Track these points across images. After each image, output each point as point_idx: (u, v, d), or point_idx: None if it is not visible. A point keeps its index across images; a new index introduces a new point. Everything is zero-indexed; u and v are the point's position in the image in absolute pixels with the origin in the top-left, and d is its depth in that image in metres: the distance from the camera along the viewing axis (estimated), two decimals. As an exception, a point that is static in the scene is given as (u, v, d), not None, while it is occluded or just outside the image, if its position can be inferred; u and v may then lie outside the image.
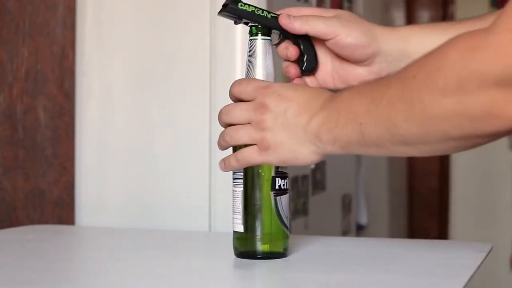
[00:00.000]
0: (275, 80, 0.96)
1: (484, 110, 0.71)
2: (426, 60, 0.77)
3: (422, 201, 3.21)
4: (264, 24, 0.95)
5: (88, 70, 1.45)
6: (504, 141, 3.09)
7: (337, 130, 0.86)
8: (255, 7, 0.96)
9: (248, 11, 0.95)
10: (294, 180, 1.51)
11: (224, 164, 0.96)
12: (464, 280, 0.82)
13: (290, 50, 0.98)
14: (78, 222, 1.46)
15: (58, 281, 0.86)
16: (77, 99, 1.47)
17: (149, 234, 1.27)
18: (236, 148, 0.94)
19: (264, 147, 0.91)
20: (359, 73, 0.99)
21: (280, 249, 0.95)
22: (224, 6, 0.96)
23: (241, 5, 0.95)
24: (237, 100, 0.95)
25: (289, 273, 0.90)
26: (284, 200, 0.94)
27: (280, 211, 0.94)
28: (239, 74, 1.30)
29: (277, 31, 0.97)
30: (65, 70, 1.48)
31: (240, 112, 0.93)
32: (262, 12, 0.96)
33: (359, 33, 0.96)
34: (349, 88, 0.91)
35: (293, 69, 0.98)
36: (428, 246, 1.15)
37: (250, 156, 0.92)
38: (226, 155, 0.97)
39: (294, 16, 0.96)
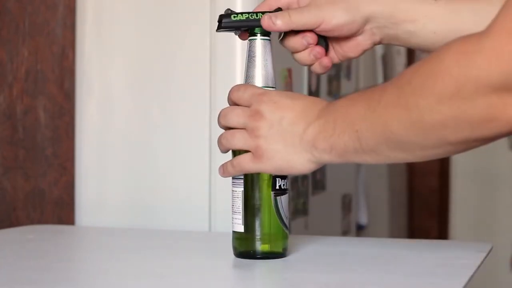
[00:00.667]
0: (275, 79, 0.96)
1: (482, 114, 0.71)
2: (421, 66, 0.76)
3: (422, 201, 3.20)
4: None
5: (88, 70, 1.45)
6: (504, 141, 3.09)
7: (334, 138, 0.86)
8: (248, 12, 0.96)
9: (243, 19, 0.95)
10: (294, 180, 1.51)
11: (223, 170, 0.96)
12: (464, 280, 0.82)
13: (308, 36, 0.97)
14: (78, 222, 1.46)
15: (58, 281, 0.86)
16: (77, 99, 1.47)
17: (149, 234, 1.27)
18: (235, 153, 0.94)
19: (258, 155, 0.90)
20: (353, 44, 0.99)
21: (280, 249, 0.95)
22: (219, 21, 0.96)
23: (234, 17, 0.95)
24: (235, 105, 0.95)
25: (289, 273, 0.90)
26: (284, 200, 0.94)
27: (280, 211, 0.94)
28: (239, 74, 1.30)
29: None
30: (65, 70, 1.48)
31: (237, 117, 0.93)
32: (257, 16, 0.95)
33: (342, 12, 0.95)
34: (345, 96, 0.91)
35: (320, 49, 0.98)
36: (428, 246, 1.15)
37: (244, 162, 0.92)
38: (226, 158, 0.97)
39: (275, 14, 0.95)
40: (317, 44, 0.98)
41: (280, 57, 1.43)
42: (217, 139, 0.97)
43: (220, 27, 0.96)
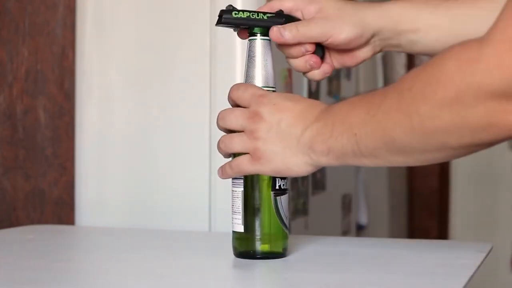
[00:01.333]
0: (275, 79, 0.96)
1: (483, 120, 0.71)
2: (422, 72, 0.76)
3: (422, 201, 3.20)
4: (263, 26, 0.95)
5: (88, 70, 1.45)
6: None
7: (331, 141, 0.86)
8: (250, 11, 0.95)
9: (244, 18, 0.95)
10: (294, 180, 1.51)
11: (222, 172, 0.96)
12: (464, 280, 0.82)
13: (307, 45, 0.97)
14: (78, 222, 1.46)
15: (58, 281, 0.86)
16: (77, 99, 1.47)
17: (149, 234, 1.27)
18: (235, 154, 0.94)
19: (256, 156, 0.90)
20: (355, 54, 1.00)
21: (280, 249, 0.95)
22: (220, 16, 0.96)
23: (235, 13, 0.95)
24: (235, 104, 0.95)
25: (289, 273, 0.90)
26: (284, 200, 0.94)
27: (280, 211, 0.94)
28: (239, 74, 1.30)
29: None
30: (65, 70, 1.48)
31: (235, 119, 0.92)
32: (258, 15, 0.95)
33: (351, 27, 0.96)
34: (344, 100, 0.91)
35: (316, 59, 0.99)
36: (428, 246, 1.15)
37: (243, 164, 0.92)
38: (227, 158, 0.97)
39: (284, 27, 0.95)
40: (314, 52, 0.98)
41: (280, 57, 1.43)
42: (217, 142, 0.97)
43: (220, 22, 0.96)
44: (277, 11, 0.97)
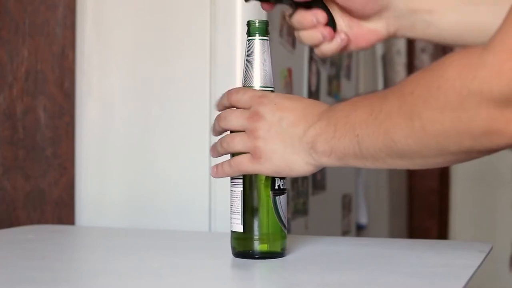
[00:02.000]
0: (273, 79, 0.96)
1: (484, 127, 0.71)
2: (424, 77, 0.76)
3: (422, 201, 3.21)
4: None
5: (88, 70, 1.45)
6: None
7: (334, 141, 0.85)
8: None
9: None
10: (294, 180, 1.51)
11: (216, 170, 0.95)
12: (464, 280, 0.82)
13: (319, 15, 0.96)
14: (78, 222, 1.46)
15: (58, 281, 0.86)
16: (77, 99, 1.47)
17: (149, 234, 1.27)
18: (234, 155, 0.94)
19: (256, 155, 0.90)
20: (368, 31, 0.99)
21: (279, 249, 0.95)
22: None
23: None
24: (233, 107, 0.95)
25: (288, 273, 0.90)
26: (283, 200, 0.94)
27: (279, 211, 0.94)
28: (239, 74, 1.30)
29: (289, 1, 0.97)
30: (65, 70, 1.48)
31: (236, 119, 0.92)
32: None
33: None
34: (346, 100, 0.90)
35: (328, 31, 0.97)
36: (428, 246, 1.15)
37: (242, 163, 0.92)
38: (226, 158, 0.97)
39: None
40: (327, 24, 0.98)
41: (280, 57, 1.43)
42: (213, 144, 0.96)
43: None
44: None
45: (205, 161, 1.35)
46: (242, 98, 0.93)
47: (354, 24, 0.99)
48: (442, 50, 3.17)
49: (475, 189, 3.30)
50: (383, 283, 0.83)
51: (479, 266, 0.91)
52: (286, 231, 0.95)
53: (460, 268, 0.90)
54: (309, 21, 0.97)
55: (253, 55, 0.95)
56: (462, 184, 3.31)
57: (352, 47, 1.00)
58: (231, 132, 0.94)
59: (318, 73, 1.64)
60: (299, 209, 1.55)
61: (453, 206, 3.31)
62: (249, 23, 0.95)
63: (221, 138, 0.95)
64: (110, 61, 1.44)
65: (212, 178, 1.34)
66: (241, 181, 0.94)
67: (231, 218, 0.95)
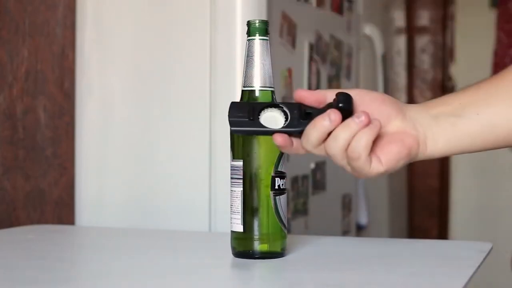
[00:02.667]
0: (274, 79, 0.96)
1: None
2: None
3: (422, 201, 3.20)
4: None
5: (88, 70, 1.45)
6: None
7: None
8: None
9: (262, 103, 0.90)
10: (294, 180, 1.51)
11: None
12: (464, 280, 0.82)
13: (332, 116, 0.85)
14: (78, 222, 1.46)
15: (58, 281, 0.86)
16: (77, 99, 1.47)
17: (149, 234, 1.27)
18: (234, 154, 0.94)
19: None
20: (400, 133, 0.89)
21: (278, 249, 0.95)
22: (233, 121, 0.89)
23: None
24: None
25: (288, 273, 0.90)
26: (283, 200, 0.94)
27: (279, 211, 0.94)
28: (239, 74, 1.30)
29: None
30: (65, 70, 1.48)
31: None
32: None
33: (387, 98, 0.90)
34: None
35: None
36: (428, 246, 1.15)
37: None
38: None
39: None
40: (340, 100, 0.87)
41: (280, 57, 1.43)
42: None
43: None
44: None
45: (205, 161, 1.35)
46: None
47: (388, 128, 0.89)
48: (442, 50, 3.17)
49: (476, 189, 3.30)
50: (383, 283, 0.83)
51: (479, 266, 0.91)
52: (286, 231, 0.95)
53: (460, 268, 0.90)
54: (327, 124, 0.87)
55: (253, 55, 0.95)
56: (462, 183, 3.31)
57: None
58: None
59: (318, 73, 1.64)
60: (299, 209, 1.54)
61: (453, 206, 3.31)
62: (249, 23, 0.95)
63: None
64: (110, 61, 1.44)
65: (212, 178, 1.34)
66: (241, 181, 0.94)
67: (231, 218, 0.95)
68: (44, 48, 1.44)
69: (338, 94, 0.87)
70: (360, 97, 0.88)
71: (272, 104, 0.89)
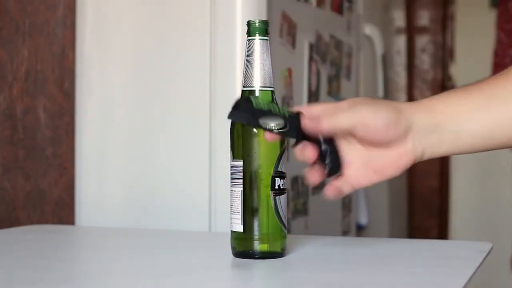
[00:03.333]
0: (274, 79, 0.96)
1: None
2: None
3: (422, 201, 3.20)
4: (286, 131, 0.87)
5: (88, 70, 1.45)
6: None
7: None
8: (271, 103, 0.88)
9: (264, 110, 0.86)
10: (294, 180, 1.51)
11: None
12: (464, 280, 0.82)
13: (307, 151, 0.87)
14: (78, 222, 1.46)
15: (58, 281, 0.86)
16: (77, 99, 1.47)
17: (149, 234, 1.27)
18: (234, 153, 0.94)
19: None
20: (393, 157, 0.89)
21: (278, 249, 0.95)
22: (236, 107, 0.86)
23: (257, 104, 0.86)
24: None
25: (288, 273, 0.90)
26: (283, 200, 0.94)
27: (279, 211, 0.94)
28: (239, 74, 1.30)
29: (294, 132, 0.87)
30: (65, 70, 1.48)
31: None
32: (279, 111, 0.87)
33: (386, 111, 0.87)
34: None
35: (315, 174, 0.88)
36: (428, 246, 1.15)
37: None
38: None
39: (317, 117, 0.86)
40: (330, 161, 0.87)
41: (280, 57, 1.43)
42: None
43: (236, 113, 0.87)
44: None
45: (205, 161, 1.35)
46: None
47: (377, 154, 0.89)
48: (442, 50, 3.17)
49: (476, 189, 3.30)
50: (383, 283, 0.83)
51: (479, 266, 0.91)
52: (286, 231, 0.95)
53: (460, 268, 0.90)
54: (298, 156, 0.88)
55: (253, 55, 0.95)
56: (462, 184, 3.31)
57: (378, 178, 0.90)
58: None
59: (318, 73, 1.64)
60: (299, 209, 1.54)
61: (453, 206, 3.31)
62: (249, 23, 0.95)
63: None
64: (110, 61, 1.44)
65: (212, 178, 1.34)
66: (241, 181, 0.94)
67: (231, 218, 0.95)
68: (44, 48, 1.44)
69: (330, 155, 0.87)
70: (364, 129, 0.87)
71: (273, 113, 0.87)
